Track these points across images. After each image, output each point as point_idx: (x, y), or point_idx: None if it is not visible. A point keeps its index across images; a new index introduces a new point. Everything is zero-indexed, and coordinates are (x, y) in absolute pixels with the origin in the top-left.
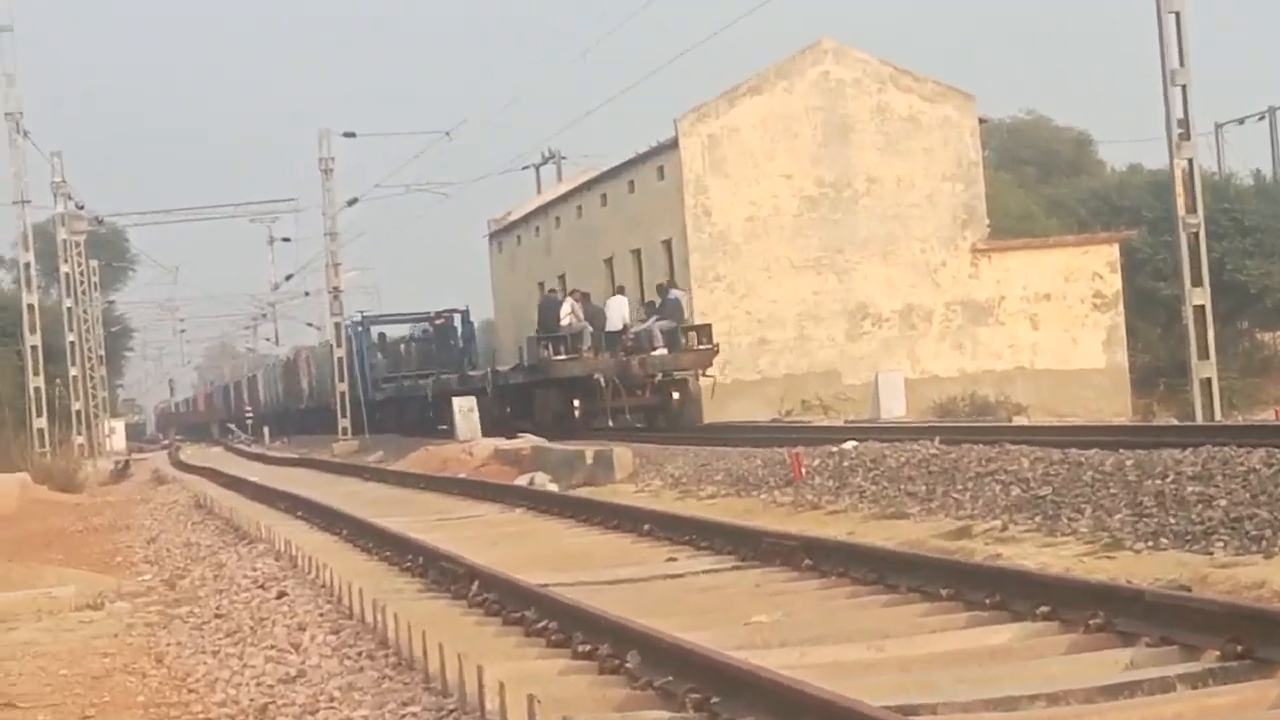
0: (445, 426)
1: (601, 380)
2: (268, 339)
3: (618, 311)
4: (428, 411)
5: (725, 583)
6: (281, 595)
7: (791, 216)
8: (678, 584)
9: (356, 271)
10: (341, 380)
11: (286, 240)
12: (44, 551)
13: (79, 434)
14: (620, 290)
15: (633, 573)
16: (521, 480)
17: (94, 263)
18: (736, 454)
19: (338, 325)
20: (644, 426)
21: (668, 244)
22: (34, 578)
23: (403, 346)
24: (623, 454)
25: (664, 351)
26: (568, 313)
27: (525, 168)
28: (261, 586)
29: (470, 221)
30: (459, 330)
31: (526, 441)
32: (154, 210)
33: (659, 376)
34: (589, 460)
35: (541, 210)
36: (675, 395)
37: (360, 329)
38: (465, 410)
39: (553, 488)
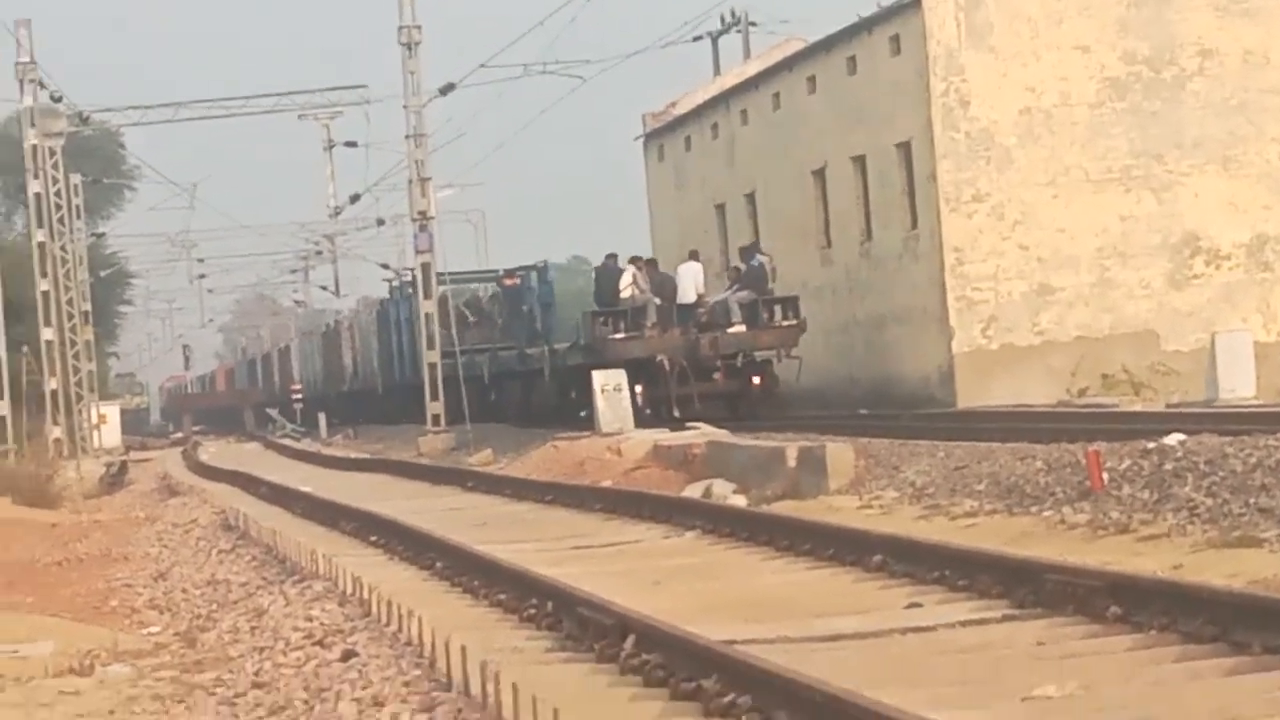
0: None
1: (666, 362)
2: (324, 287)
3: (690, 280)
4: (489, 395)
5: (993, 639)
6: (349, 656)
7: (1088, 108)
8: (924, 641)
9: (452, 190)
10: (431, 349)
11: (352, 145)
12: (7, 592)
13: (55, 424)
14: (694, 254)
15: (858, 625)
16: (694, 490)
17: (77, 179)
18: (1006, 453)
19: (426, 267)
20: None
21: (904, 148)
22: None
23: (467, 313)
24: (840, 454)
25: (741, 328)
26: (628, 283)
27: (697, 38)
28: (320, 644)
29: (617, 117)
30: (535, 292)
31: (699, 435)
32: (161, 103)
33: (738, 358)
34: (791, 462)
35: (721, 100)
36: (755, 380)
37: (410, 291)
38: (610, 390)
39: (738, 501)
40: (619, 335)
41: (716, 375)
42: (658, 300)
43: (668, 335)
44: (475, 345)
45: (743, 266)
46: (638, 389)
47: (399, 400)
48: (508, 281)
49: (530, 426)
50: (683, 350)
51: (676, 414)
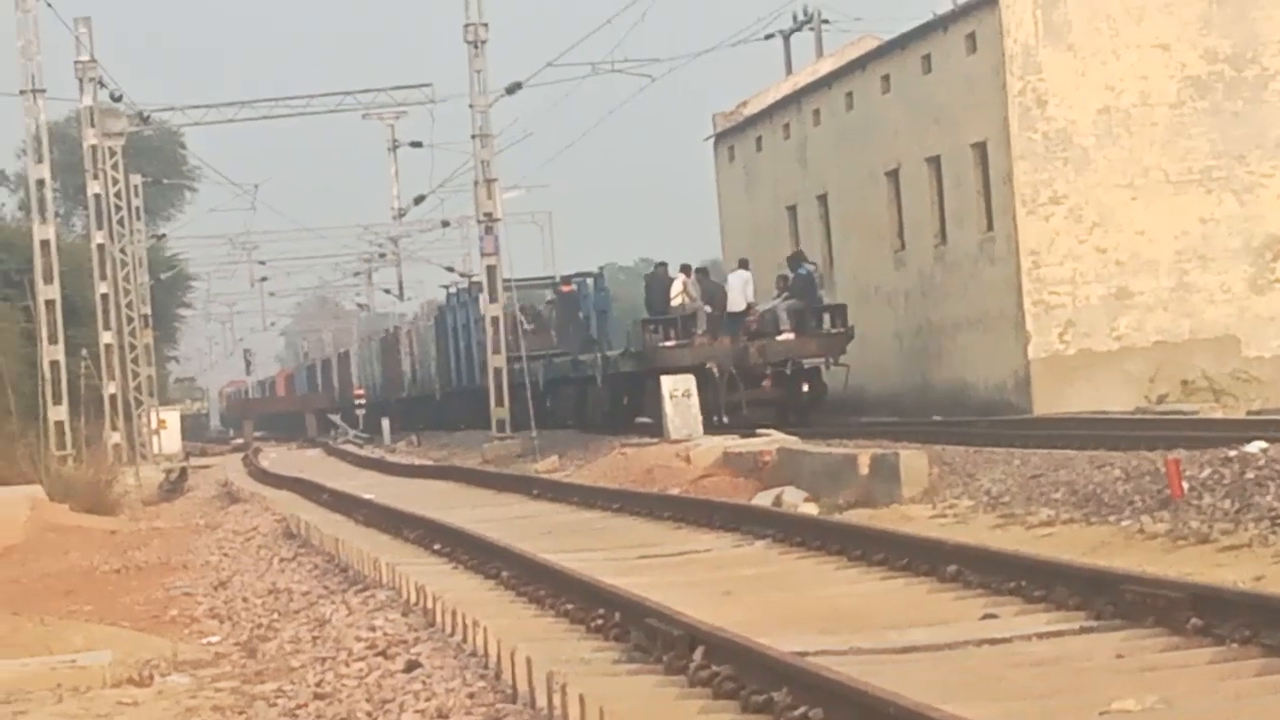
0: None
1: (715, 370)
2: (387, 290)
3: (740, 288)
4: (544, 402)
5: (1071, 652)
6: (412, 667)
7: (1168, 108)
8: (1000, 654)
9: (519, 191)
10: (497, 353)
11: (417, 146)
12: (65, 601)
13: (114, 429)
14: (743, 263)
15: (933, 636)
16: (764, 499)
17: (137, 179)
18: (1083, 460)
19: (491, 270)
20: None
21: (980, 149)
22: (52, 638)
23: (523, 319)
24: (914, 461)
25: (789, 336)
26: (679, 291)
27: (769, 36)
28: (383, 654)
29: (687, 117)
30: (592, 299)
31: (770, 442)
32: (223, 103)
33: (787, 365)
34: (863, 470)
35: (793, 100)
36: (804, 387)
37: (468, 297)
38: (679, 396)
39: (810, 509)
40: (669, 343)
41: (765, 382)
42: (708, 308)
43: (717, 343)
44: (531, 352)
45: (790, 275)
46: None
47: (456, 407)
48: (564, 288)
49: (586, 432)
50: (732, 358)
51: (725, 420)
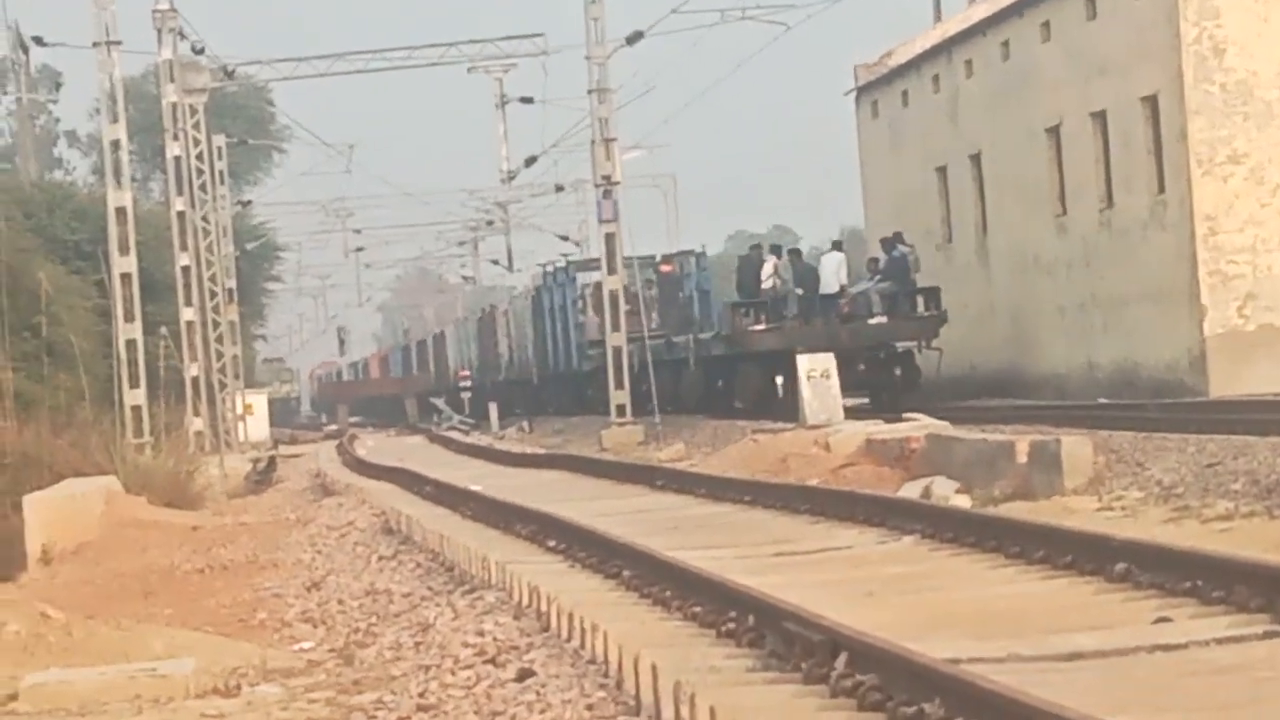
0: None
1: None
2: (495, 261)
3: (832, 271)
4: (641, 385)
5: (1253, 659)
6: (525, 676)
7: None
8: (1175, 661)
9: (641, 152)
10: (616, 331)
11: (528, 102)
12: (144, 603)
13: (196, 415)
14: (837, 245)
15: (1100, 642)
16: (911, 490)
17: (220, 140)
18: (1265, 447)
19: (609, 238)
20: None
21: (1151, 102)
22: (130, 644)
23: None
24: (1077, 449)
25: (882, 319)
26: (770, 273)
27: None
28: (492, 661)
29: (825, 70)
30: (695, 278)
31: (917, 427)
32: (315, 56)
33: (880, 349)
34: (1021, 458)
35: (943, 49)
36: (898, 371)
37: (565, 277)
38: (817, 375)
39: (962, 501)
40: (759, 326)
41: (860, 367)
42: (799, 291)
43: (808, 326)
44: (630, 333)
45: (882, 258)
46: (778, 380)
47: (554, 391)
48: (664, 268)
49: (679, 413)
50: (823, 341)
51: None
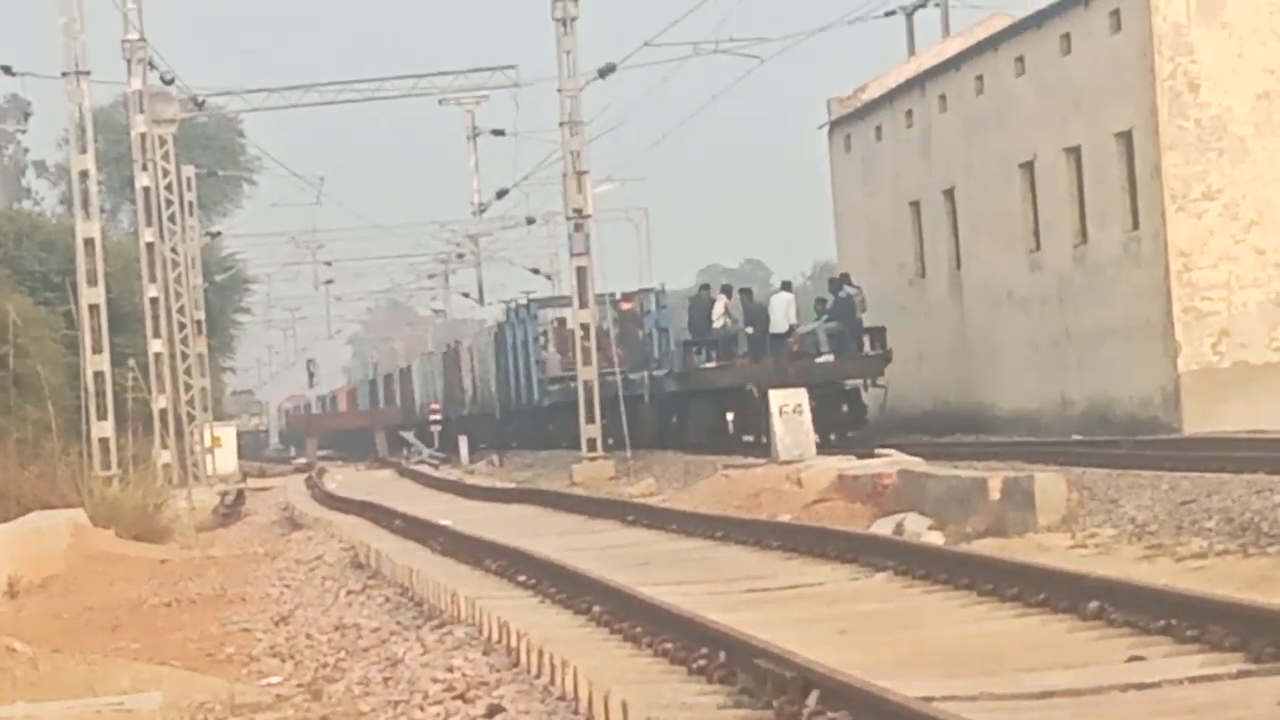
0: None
1: (755, 391)
2: (466, 294)
3: (781, 310)
4: (604, 420)
5: (1227, 698)
6: (494, 712)
7: None
8: (1148, 700)
9: (612, 185)
10: (588, 365)
11: (499, 134)
12: (111, 637)
13: (164, 448)
14: (786, 285)
15: (1073, 680)
16: (883, 526)
17: (190, 171)
18: (1240, 485)
19: (581, 271)
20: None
21: (1126, 138)
22: (97, 678)
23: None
24: (1051, 486)
25: (829, 358)
26: (721, 313)
27: (889, 13)
28: (462, 697)
29: (799, 103)
30: (654, 316)
31: (890, 464)
32: (285, 87)
33: (831, 388)
34: (994, 495)
35: (916, 83)
36: (845, 408)
37: (527, 314)
38: (790, 410)
39: (934, 538)
40: (710, 364)
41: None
42: (749, 330)
43: (758, 364)
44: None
45: (830, 298)
46: (728, 416)
47: (517, 426)
48: (625, 306)
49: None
50: (772, 379)
51: (765, 440)
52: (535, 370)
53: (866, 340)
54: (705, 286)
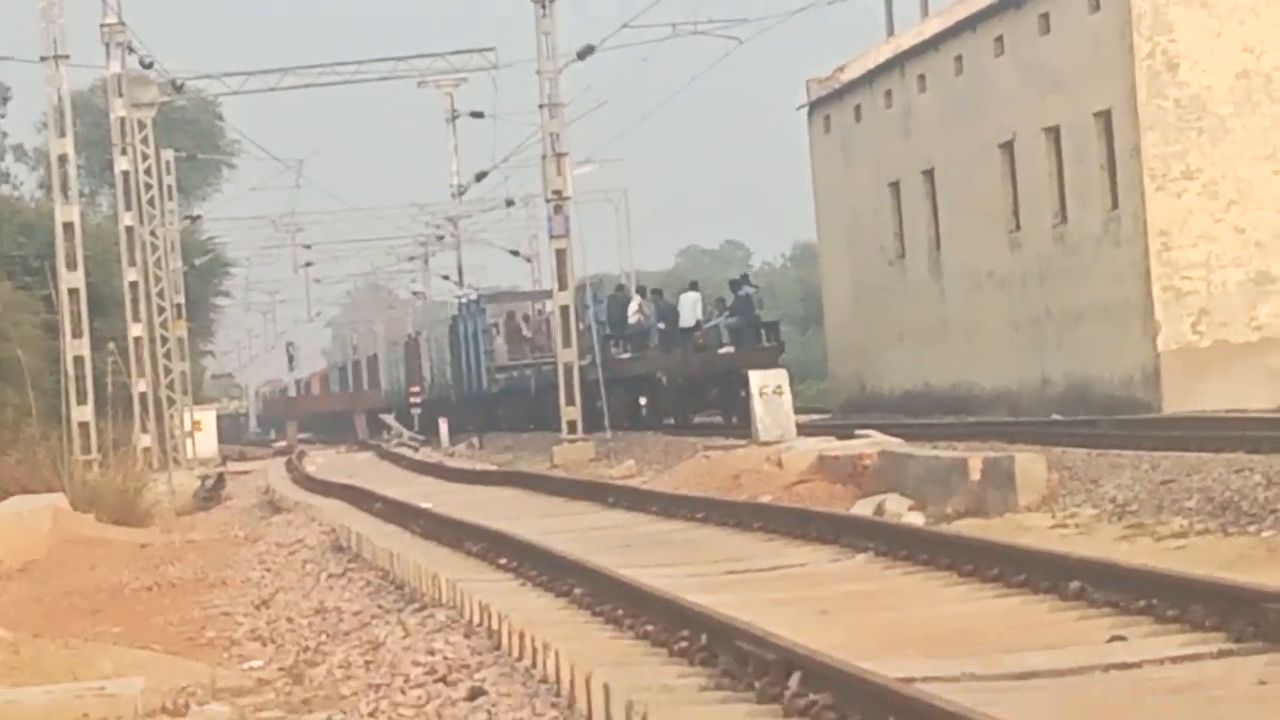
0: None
1: (664, 378)
2: (446, 276)
3: (689, 308)
4: (538, 407)
5: (1208, 678)
6: (476, 695)
7: None
8: (1129, 680)
9: (591, 166)
10: (562, 352)
11: (478, 116)
12: (92, 621)
13: (144, 431)
14: (693, 285)
15: (1053, 661)
16: (864, 507)
17: (169, 155)
18: (1220, 464)
19: (560, 254)
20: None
21: (1104, 117)
22: (77, 663)
23: (523, 327)
24: (1031, 466)
25: (730, 350)
26: (635, 310)
27: None
28: (443, 680)
29: (777, 84)
30: (590, 308)
31: (870, 444)
32: (264, 70)
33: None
34: (975, 475)
35: (896, 64)
36: (743, 394)
37: (477, 309)
38: (769, 391)
39: (915, 519)
40: (625, 355)
41: (713, 391)
42: (660, 325)
43: (668, 355)
44: (528, 360)
45: (730, 297)
46: (641, 400)
47: (469, 410)
48: None
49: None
50: (680, 368)
51: (673, 421)
52: (485, 360)
53: (763, 334)
54: (621, 286)
